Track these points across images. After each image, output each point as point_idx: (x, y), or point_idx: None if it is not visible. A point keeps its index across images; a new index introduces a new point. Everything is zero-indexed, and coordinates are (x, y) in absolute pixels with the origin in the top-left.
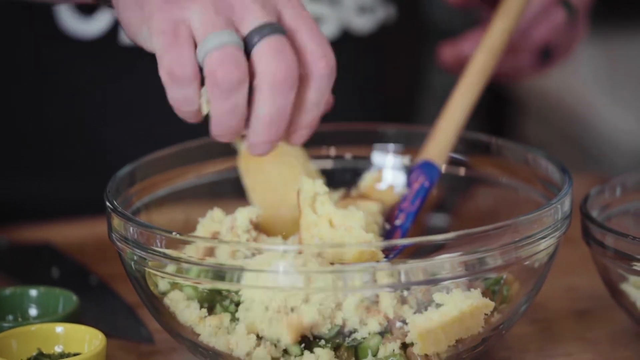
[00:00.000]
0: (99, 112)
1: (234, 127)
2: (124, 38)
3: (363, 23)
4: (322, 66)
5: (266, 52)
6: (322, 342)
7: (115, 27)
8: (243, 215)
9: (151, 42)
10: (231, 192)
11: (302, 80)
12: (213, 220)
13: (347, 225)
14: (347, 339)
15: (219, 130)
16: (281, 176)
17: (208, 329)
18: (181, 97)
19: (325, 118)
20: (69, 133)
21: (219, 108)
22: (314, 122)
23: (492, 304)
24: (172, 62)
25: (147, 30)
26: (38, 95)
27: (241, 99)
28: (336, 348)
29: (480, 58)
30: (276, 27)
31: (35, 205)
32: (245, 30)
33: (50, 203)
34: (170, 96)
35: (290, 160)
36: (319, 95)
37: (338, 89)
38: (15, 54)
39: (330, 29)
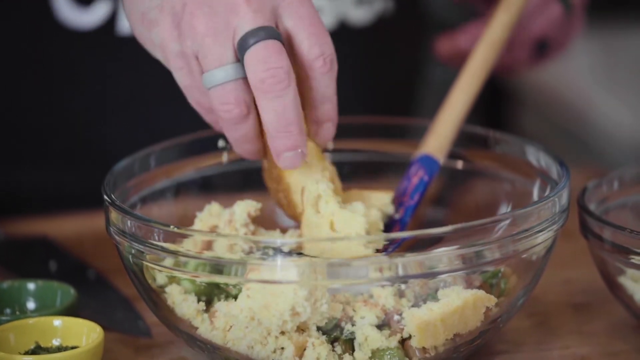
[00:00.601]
0: (98, 104)
1: (251, 150)
2: (123, 28)
3: (361, 15)
4: (319, 65)
5: (253, 59)
6: (320, 333)
7: (113, 18)
8: (241, 209)
9: (169, 67)
10: (230, 185)
11: (305, 79)
12: (211, 214)
13: (347, 232)
14: (344, 331)
15: (240, 152)
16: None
17: (207, 322)
18: (212, 121)
19: None
20: (66, 125)
21: (231, 136)
22: (330, 115)
23: (494, 298)
24: (197, 97)
25: (162, 56)
26: (35, 87)
27: (249, 128)
28: (333, 341)
29: (481, 52)
30: (268, 32)
31: (33, 198)
32: (238, 36)
33: (47, 196)
34: (205, 120)
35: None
36: (323, 91)
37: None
38: (11, 45)
39: (328, 20)
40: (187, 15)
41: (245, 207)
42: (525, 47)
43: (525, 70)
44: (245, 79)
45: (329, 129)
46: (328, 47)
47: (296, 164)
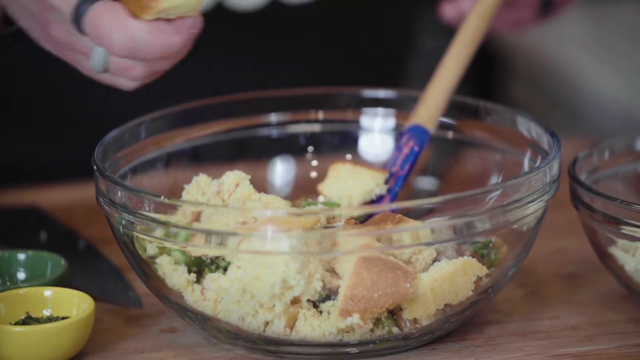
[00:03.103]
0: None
1: None
2: None
3: None
4: None
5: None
6: (310, 305)
7: None
8: (230, 180)
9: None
10: (221, 156)
11: None
12: (199, 187)
13: None
14: (335, 302)
15: None
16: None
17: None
18: None
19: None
20: (56, 95)
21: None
22: None
23: (485, 268)
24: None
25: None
26: (24, 58)
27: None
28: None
29: (472, 21)
30: None
31: (23, 168)
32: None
33: (38, 166)
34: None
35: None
36: None
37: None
38: None
39: None
40: None
41: (234, 177)
42: (531, 7)
43: (530, 27)
44: None
45: None
46: None
47: None
